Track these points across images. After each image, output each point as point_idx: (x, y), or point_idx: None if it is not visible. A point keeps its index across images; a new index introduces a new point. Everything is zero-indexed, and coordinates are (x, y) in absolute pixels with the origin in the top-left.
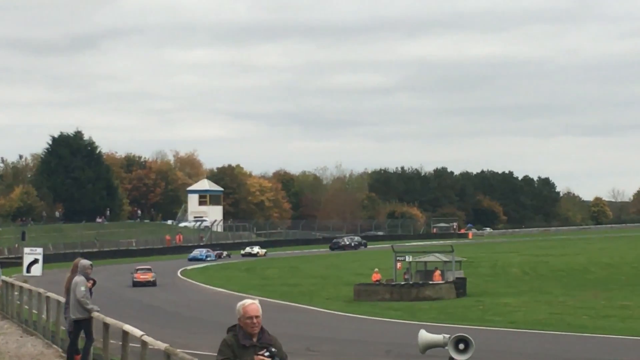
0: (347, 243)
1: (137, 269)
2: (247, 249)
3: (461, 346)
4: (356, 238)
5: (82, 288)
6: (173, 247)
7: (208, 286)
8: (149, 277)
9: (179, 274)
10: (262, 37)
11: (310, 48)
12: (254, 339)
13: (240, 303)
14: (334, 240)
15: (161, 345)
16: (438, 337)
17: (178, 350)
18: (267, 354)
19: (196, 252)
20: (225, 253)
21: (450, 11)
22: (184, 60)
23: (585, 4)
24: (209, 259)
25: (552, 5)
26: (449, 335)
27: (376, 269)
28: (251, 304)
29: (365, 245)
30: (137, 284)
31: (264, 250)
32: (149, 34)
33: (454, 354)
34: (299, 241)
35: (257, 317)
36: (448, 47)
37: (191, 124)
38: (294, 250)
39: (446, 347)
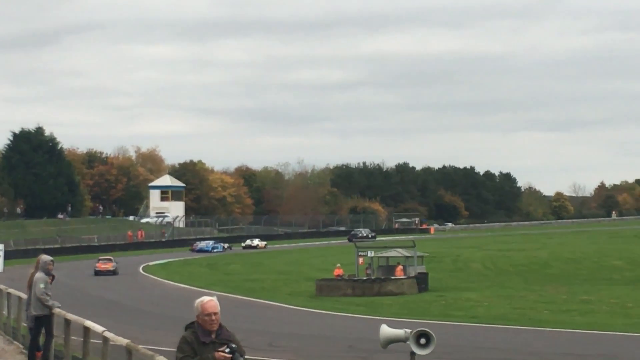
0: (365, 235)
1: (99, 259)
2: (248, 242)
3: (422, 341)
4: (366, 230)
5: (42, 285)
6: (135, 243)
7: (170, 282)
8: (109, 266)
9: (140, 270)
10: (224, 32)
11: (272, 44)
12: (213, 336)
13: (198, 300)
14: (352, 232)
15: (122, 341)
16: (399, 332)
17: (140, 346)
18: (227, 350)
19: (202, 244)
20: (226, 245)
21: (412, 6)
22: (145, 56)
23: (546, 0)
24: (215, 250)
25: (514, 0)
26: (410, 330)
27: (338, 265)
28: (209, 300)
29: (375, 238)
30: (98, 273)
31: (264, 243)
32: (110, 29)
33: (415, 349)
34: (261, 237)
35: (215, 314)
36: (410, 42)
37: (153, 119)
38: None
39: (408, 342)
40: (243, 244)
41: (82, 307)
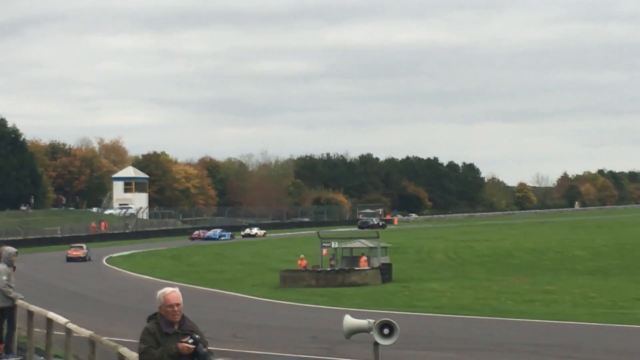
0: (375, 223)
1: (71, 246)
2: (247, 230)
3: (386, 331)
4: (376, 218)
5: (4, 277)
6: (99, 234)
7: (134, 273)
8: (80, 253)
9: (104, 262)
10: (187, 23)
11: (235, 35)
12: (176, 327)
13: (160, 291)
14: (363, 220)
15: (86, 332)
16: (363, 322)
17: (103, 337)
18: (190, 340)
19: (210, 232)
20: (230, 234)
21: None
22: (108, 47)
23: None
24: (222, 238)
25: None
26: (373, 321)
27: (302, 256)
28: (172, 292)
29: (385, 226)
30: (70, 260)
31: (263, 232)
32: (72, 20)
33: (378, 339)
34: (224, 228)
35: (177, 304)
36: (372, 33)
37: (116, 111)
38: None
39: (371, 332)
40: (242, 233)
41: (45, 298)
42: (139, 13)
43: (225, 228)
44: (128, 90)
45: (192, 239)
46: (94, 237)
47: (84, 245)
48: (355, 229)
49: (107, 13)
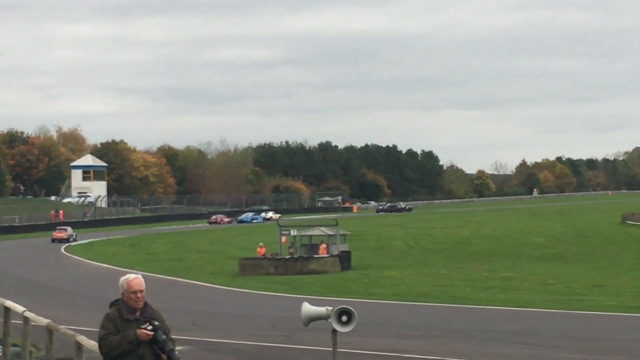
0: (403, 207)
1: (56, 228)
2: (262, 215)
3: (344, 318)
4: (404, 203)
5: None
6: (57, 223)
7: (92, 262)
8: (64, 235)
9: (63, 250)
10: (146, 11)
11: (194, 22)
12: (137, 313)
13: (123, 278)
14: (391, 204)
15: (43, 320)
16: (321, 310)
17: (61, 326)
18: (149, 327)
19: (243, 216)
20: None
21: None
22: (66, 35)
23: None
24: (254, 221)
25: None
26: (331, 308)
27: (261, 243)
28: (135, 278)
29: (411, 210)
30: (54, 241)
31: (278, 215)
32: (30, 8)
33: (336, 326)
34: (183, 216)
35: (140, 291)
36: (332, 21)
37: (74, 99)
38: (178, 225)
39: (329, 320)
40: (262, 216)
41: (2, 287)
42: (98, 1)
43: (184, 216)
44: (86, 78)
45: (210, 223)
46: (52, 226)
47: (68, 228)
48: (313, 216)
49: (65, 1)
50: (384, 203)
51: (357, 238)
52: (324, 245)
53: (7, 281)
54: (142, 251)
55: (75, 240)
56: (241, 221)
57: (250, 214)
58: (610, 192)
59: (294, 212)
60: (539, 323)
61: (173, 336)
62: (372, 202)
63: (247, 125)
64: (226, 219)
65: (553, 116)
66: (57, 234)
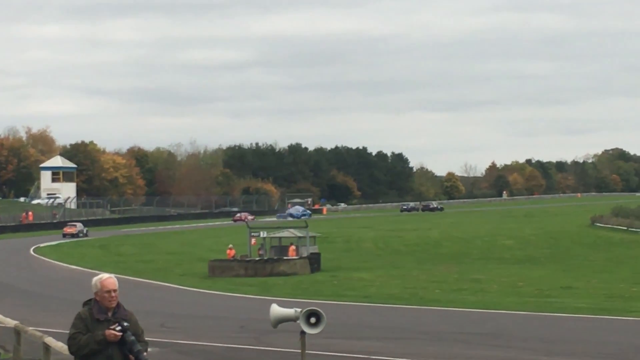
0: (435, 206)
1: (67, 224)
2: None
3: (312, 320)
4: (436, 202)
5: None
6: (27, 224)
7: (62, 263)
8: (73, 230)
9: (32, 252)
10: (115, 12)
11: (165, 23)
12: (109, 314)
13: (97, 277)
14: (425, 204)
15: (11, 322)
16: (289, 311)
17: (29, 327)
18: (118, 328)
19: (292, 210)
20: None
21: None
22: (35, 36)
23: None
24: (304, 217)
25: None
26: (300, 309)
27: (231, 245)
28: (108, 277)
29: (442, 209)
30: (65, 236)
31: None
32: None
33: (305, 328)
34: (153, 218)
35: (114, 290)
36: (301, 22)
37: (43, 100)
38: (148, 227)
39: (298, 321)
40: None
41: None
42: (67, 2)
43: (153, 218)
44: (56, 79)
45: (235, 220)
46: (20, 227)
47: (79, 224)
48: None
49: (33, 2)
50: (408, 203)
51: (326, 240)
52: (293, 247)
53: None
54: (112, 252)
55: (86, 235)
56: (291, 215)
57: (301, 209)
58: (579, 194)
59: (264, 213)
60: (508, 325)
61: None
62: (342, 204)
63: (216, 127)
64: (250, 217)
65: (522, 118)
66: (68, 230)
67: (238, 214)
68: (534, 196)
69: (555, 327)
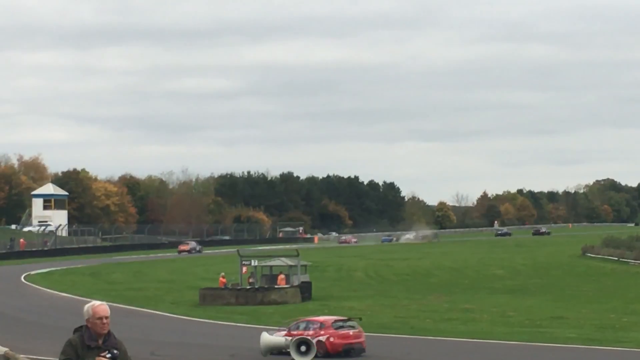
0: (544, 230)
1: (182, 242)
2: (343, 237)
3: (303, 348)
4: (546, 226)
5: None
6: (17, 251)
7: (52, 291)
8: (186, 247)
9: (22, 279)
10: (107, 40)
11: (156, 52)
12: (100, 341)
13: (89, 304)
14: (536, 229)
15: (1, 349)
16: (280, 340)
17: (21, 355)
18: (108, 355)
19: (384, 237)
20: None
21: (295, 16)
22: (26, 63)
23: (427, 11)
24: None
25: (396, 11)
26: (290, 338)
27: (222, 274)
28: (100, 304)
29: (550, 234)
30: (181, 252)
31: (355, 239)
32: None
33: (295, 356)
34: (144, 246)
35: (106, 317)
36: (293, 52)
37: (35, 127)
38: (139, 255)
39: (288, 350)
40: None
41: None
42: (59, 29)
43: (145, 246)
44: (47, 106)
45: (341, 242)
46: (11, 254)
47: (191, 242)
48: (274, 246)
49: (26, 29)
50: (502, 228)
51: (318, 269)
52: (282, 276)
53: None
54: (102, 280)
55: (199, 252)
56: (385, 240)
57: (387, 236)
58: (570, 224)
59: (255, 242)
60: (498, 355)
61: None
62: (334, 233)
63: (208, 155)
64: (353, 240)
65: (514, 148)
66: (182, 247)
67: (343, 237)
68: (525, 226)
69: (546, 358)
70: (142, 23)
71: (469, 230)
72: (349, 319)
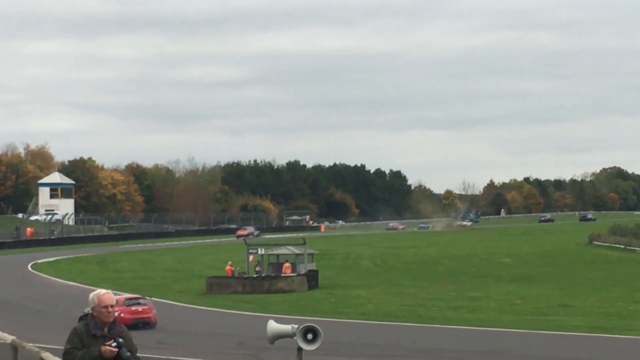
0: (591, 217)
1: (240, 227)
2: (391, 224)
3: (309, 336)
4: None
5: None
6: (24, 240)
7: (59, 280)
8: (245, 232)
9: (29, 268)
10: (113, 28)
11: (162, 40)
12: (105, 329)
13: (94, 292)
14: (582, 214)
15: (8, 337)
16: (286, 328)
17: (29, 343)
18: (114, 344)
19: (421, 224)
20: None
21: (301, 4)
22: (33, 52)
23: None
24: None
25: None
26: (297, 326)
27: (230, 262)
28: (106, 293)
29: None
30: (239, 237)
31: (402, 226)
32: None
33: (302, 344)
34: (151, 234)
35: (112, 306)
36: (300, 40)
37: (42, 116)
38: (146, 243)
39: (295, 337)
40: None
41: None
42: (65, 18)
43: (152, 234)
44: (54, 95)
45: (388, 229)
46: (18, 243)
47: (249, 227)
48: (281, 235)
49: (32, 18)
50: (545, 214)
51: (325, 257)
52: (287, 264)
53: None
54: (109, 269)
55: (257, 236)
56: (421, 228)
57: (424, 224)
58: (577, 213)
59: (262, 230)
60: (505, 343)
61: (140, 355)
62: (340, 222)
63: (215, 144)
64: (400, 227)
65: (521, 137)
66: (240, 232)
67: (391, 223)
68: (532, 214)
69: (553, 346)
70: (148, 11)
71: (509, 216)
72: (141, 297)
